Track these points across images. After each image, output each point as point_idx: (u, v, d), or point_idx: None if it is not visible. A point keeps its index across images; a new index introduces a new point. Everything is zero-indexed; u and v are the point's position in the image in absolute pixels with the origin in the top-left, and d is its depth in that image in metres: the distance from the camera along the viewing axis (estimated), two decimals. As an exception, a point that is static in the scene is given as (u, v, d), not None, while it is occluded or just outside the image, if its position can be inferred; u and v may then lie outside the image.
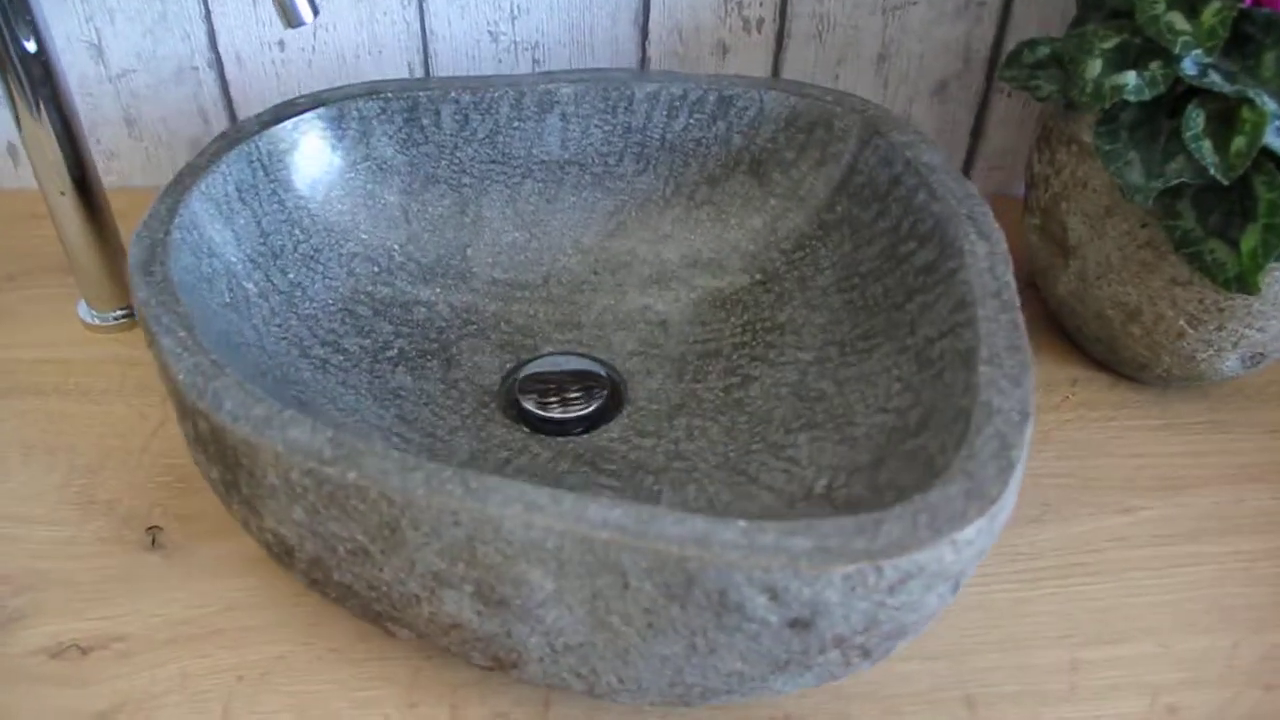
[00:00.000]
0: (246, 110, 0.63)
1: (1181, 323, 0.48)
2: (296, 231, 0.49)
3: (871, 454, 0.38)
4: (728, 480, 0.42)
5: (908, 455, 0.36)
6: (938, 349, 0.39)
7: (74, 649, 0.41)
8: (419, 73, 0.62)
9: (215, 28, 0.60)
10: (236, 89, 0.62)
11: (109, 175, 0.66)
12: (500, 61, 0.61)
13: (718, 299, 0.51)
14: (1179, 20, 0.42)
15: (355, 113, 0.50)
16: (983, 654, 0.42)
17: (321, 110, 0.49)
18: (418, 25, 0.60)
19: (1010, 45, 0.61)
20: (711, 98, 0.51)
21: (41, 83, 0.47)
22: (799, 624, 0.31)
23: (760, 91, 0.51)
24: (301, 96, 0.50)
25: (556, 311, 0.51)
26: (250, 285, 0.46)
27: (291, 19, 0.39)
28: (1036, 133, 0.53)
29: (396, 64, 0.61)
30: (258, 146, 0.47)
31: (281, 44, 0.60)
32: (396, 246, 0.51)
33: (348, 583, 0.35)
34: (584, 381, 0.47)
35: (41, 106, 0.48)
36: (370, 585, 0.35)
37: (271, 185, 0.48)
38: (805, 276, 0.49)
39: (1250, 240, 0.42)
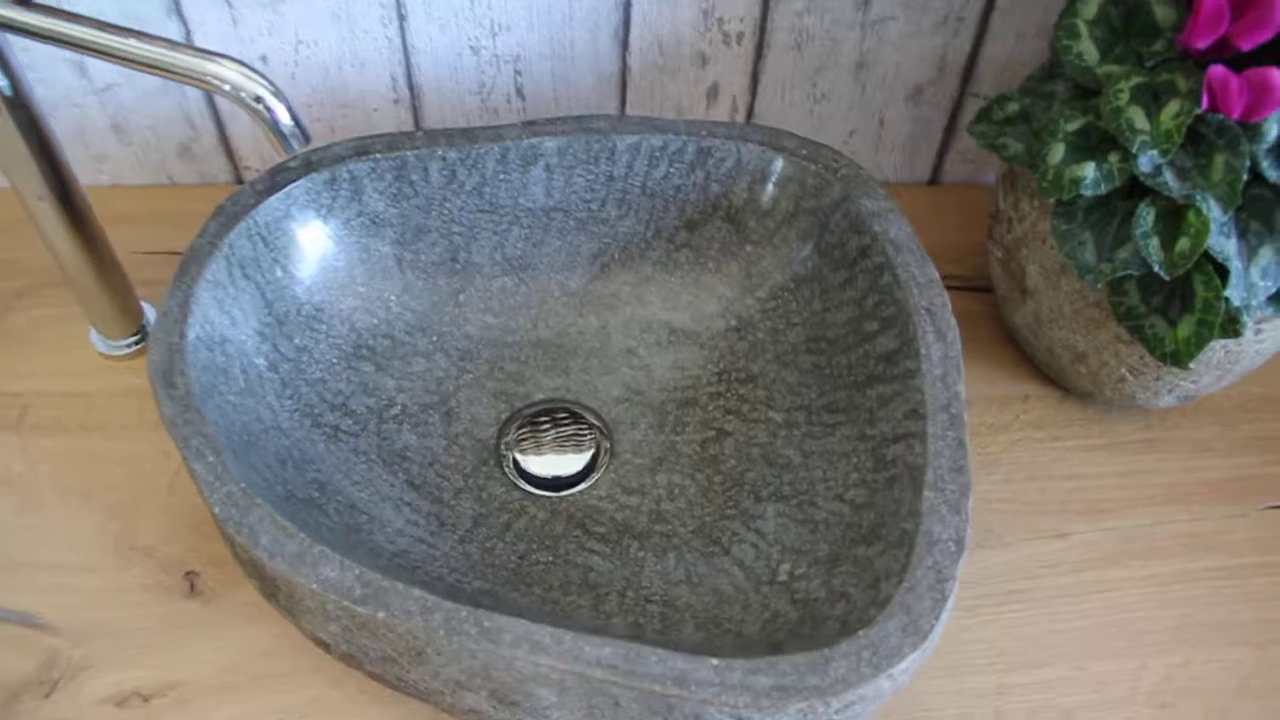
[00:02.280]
0: (232, 118, 0.64)
1: (1123, 370, 0.52)
2: (299, 294, 0.51)
3: (829, 546, 0.43)
4: (703, 549, 0.47)
5: (860, 563, 0.41)
6: (891, 453, 0.43)
7: (136, 697, 0.47)
8: (402, 85, 0.62)
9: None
10: (221, 100, 0.63)
11: (101, 176, 0.67)
12: (482, 73, 0.62)
13: (695, 342, 0.55)
14: (1139, 118, 0.44)
15: (346, 174, 0.52)
16: (925, 680, 0.49)
17: (314, 176, 0.51)
18: (399, 41, 0.60)
19: (986, 55, 0.62)
20: (691, 149, 0.53)
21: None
22: (762, 735, 0.37)
23: (738, 144, 0.53)
24: (292, 159, 0.52)
25: (545, 356, 0.55)
26: (261, 360, 0.49)
27: (285, 150, 0.41)
28: (1003, 168, 0.56)
29: (379, 76, 0.62)
30: (256, 221, 0.49)
31: (264, 59, 0.61)
32: (393, 296, 0.54)
33: (378, 674, 0.41)
34: (575, 434, 0.52)
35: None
36: (399, 679, 0.40)
37: (272, 255, 0.51)
38: (777, 329, 0.53)
39: (1185, 329, 0.46)
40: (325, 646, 0.42)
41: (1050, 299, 0.53)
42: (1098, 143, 0.46)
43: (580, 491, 0.51)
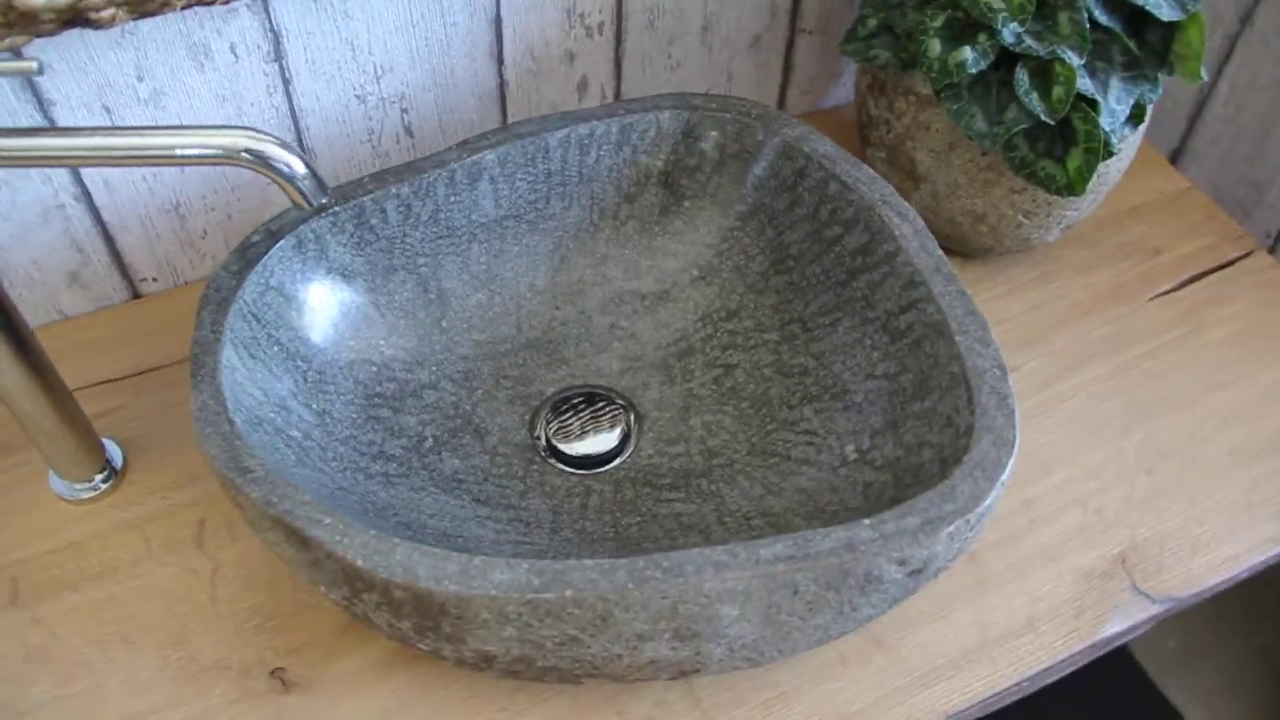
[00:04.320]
0: (124, 234, 0.61)
1: (1020, 217, 0.61)
2: (300, 363, 0.51)
3: (882, 416, 0.49)
4: (766, 463, 0.51)
5: (923, 415, 0.47)
6: (903, 322, 0.50)
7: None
8: (294, 150, 0.62)
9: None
10: (109, 213, 0.60)
11: (-19, 332, 0.62)
12: (370, 119, 0.63)
13: (668, 299, 0.59)
14: (993, 0, 0.53)
15: (310, 234, 0.52)
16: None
17: (282, 243, 0.51)
18: (286, 107, 0.60)
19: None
20: (615, 128, 0.57)
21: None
22: (916, 573, 0.42)
23: (654, 114, 0.57)
24: (254, 233, 0.51)
25: (540, 354, 0.57)
26: (295, 432, 0.49)
27: (306, 202, 0.42)
28: (866, 80, 0.64)
29: (270, 148, 0.61)
30: (245, 300, 0.49)
31: (149, 161, 0.59)
32: (381, 341, 0.55)
33: (551, 665, 0.43)
34: (599, 411, 0.55)
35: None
36: (575, 660, 0.42)
37: (265, 330, 0.50)
38: (739, 265, 0.58)
39: (1075, 160, 0.55)
40: (488, 663, 0.43)
41: (945, 176, 0.61)
42: (963, 30, 0.55)
43: (629, 457, 0.54)
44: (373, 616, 0.42)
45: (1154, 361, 0.63)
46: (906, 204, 0.52)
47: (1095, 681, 1.05)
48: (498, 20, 0.62)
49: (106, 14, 0.46)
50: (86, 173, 0.58)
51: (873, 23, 0.59)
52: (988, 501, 0.41)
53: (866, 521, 0.41)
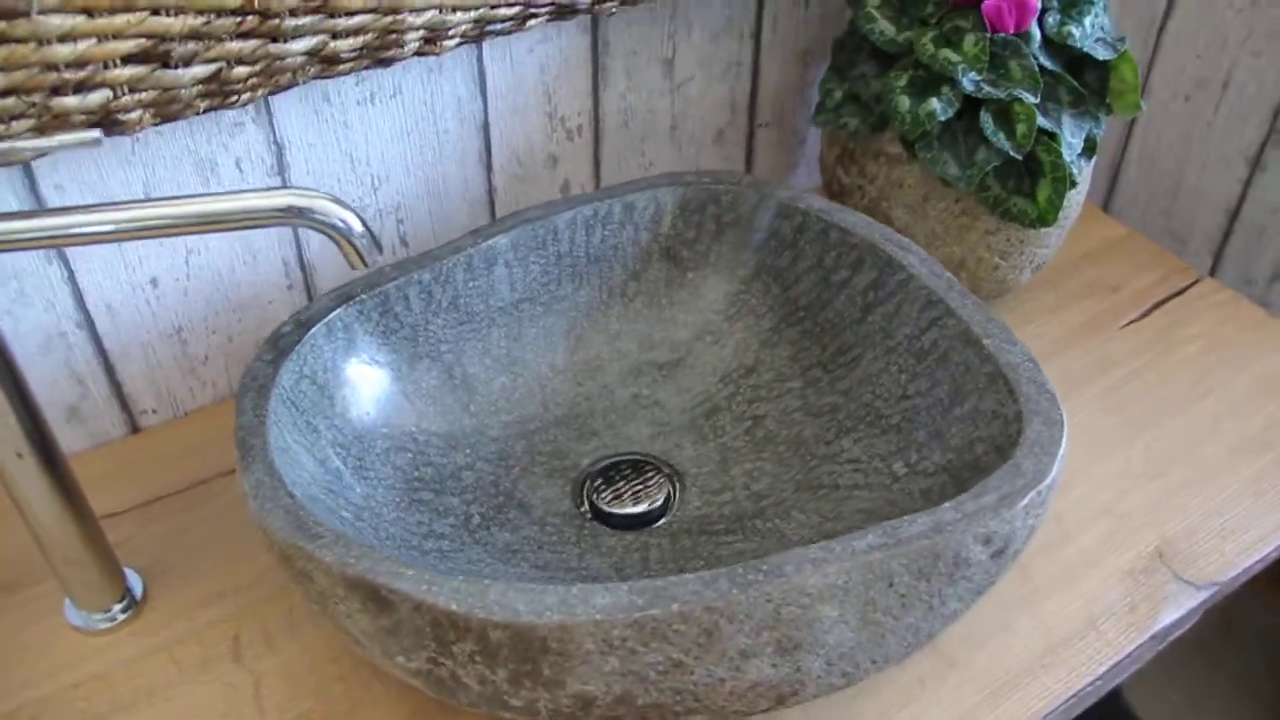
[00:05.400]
0: (125, 363, 0.61)
1: (996, 259, 0.65)
2: (339, 449, 0.51)
3: (924, 430, 0.51)
4: (816, 497, 0.52)
5: (966, 417, 0.49)
6: (927, 340, 0.52)
7: None
8: (294, 267, 0.63)
9: (81, 286, 0.57)
10: (111, 340, 0.60)
11: (-27, 481, 0.59)
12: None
13: (684, 366, 0.60)
14: (951, 54, 0.58)
15: (339, 323, 0.52)
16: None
17: (313, 331, 0.51)
18: (288, 223, 0.61)
19: (763, 95, 0.75)
20: (617, 208, 0.60)
21: None
22: (998, 554, 0.43)
23: (654, 191, 0.61)
24: (284, 324, 0.51)
25: (570, 429, 0.58)
26: (346, 514, 0.47)
27: (362, 262, 0.42)
28: (835, 153, 0.68)
29: (271, 265, 0.62)
30: (283, 386, 0.49)
31: (154, 281, 0.59)
32: (413, 427, 0.55)
33: (652, 701, 0.41)
34: (641, 476, 0.55)
35: None
36: (677, 691, 0.41)
37: (304, 418, 0.50)
38: (749, 325, 0.60)
39: (1044, 191, 0.60)
40: (586, 710, 0.41)
41: (922, 227, 0.65)
42: (926, 85, 0.60)
43: (677, 512, 0.54)
44: (462, 675, 0.41)
45: (1138, 380, 0.66)
46: (906, 239, 0.55)
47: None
48: (486, 126, 0.65)
49: (134, 115, 0.47)
50: (90, 300, 0.58)
51: (838, 94, 0.64)
52: (1053, 474, 0.43)
53: (947, 505, 0.41)
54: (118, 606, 0.53)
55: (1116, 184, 0.91)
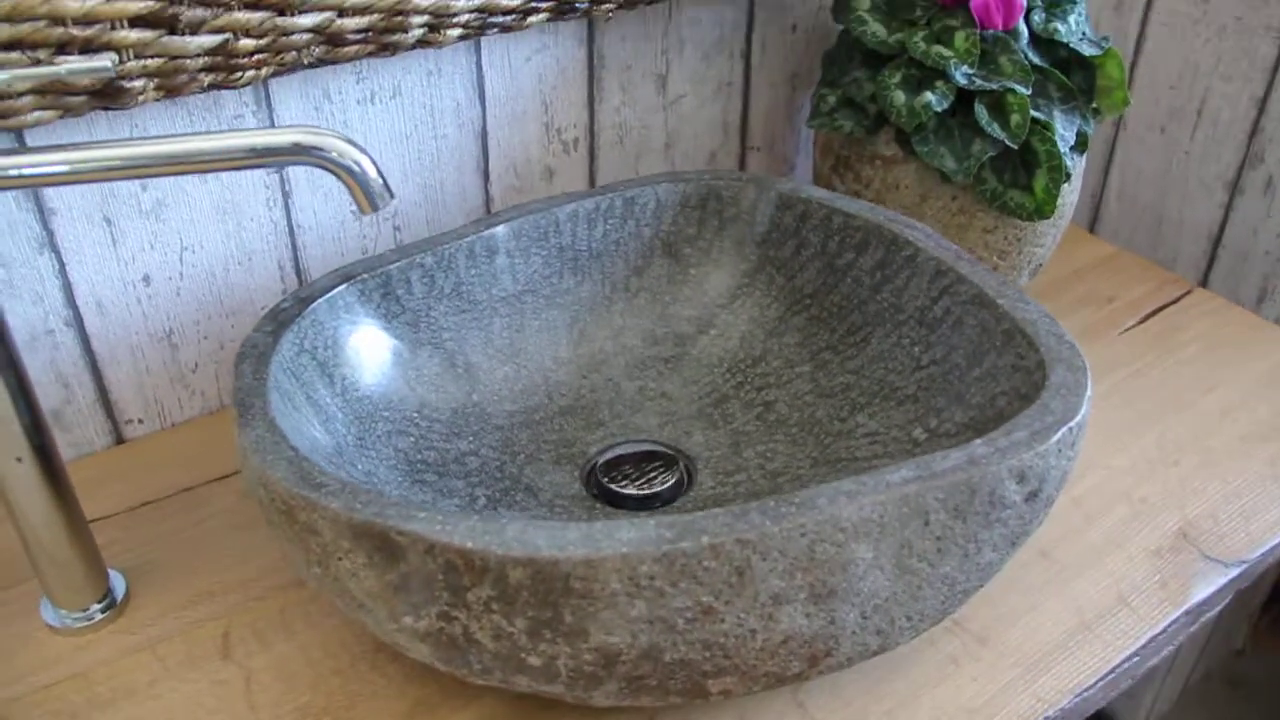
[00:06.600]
0: (113, 367, 0.59)
1: (994, 258, 0.66)
2: (338, 426, 0.49)
3: (943, 397, 0.50)
4: (835, 471, 0.50)
5: (987, 376, 0.48)
6: (938, 309, 0.52)
7: None
8: (289, 271, 0.62)
9: (71, 280, 0.55)
10: (100, 341, 0.58)
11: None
12: (364, 237, 0.64)
13: (689, 359, 0.59)
14: (943, 50, 0.60)
15: (340, 301, 0.51)
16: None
17: (314, 307, 0.50)
18: (285, 223, 0.61)
19: (754, 117, 0.77)
20: (619, 203, 0.60)
21: None
22: (1032, 495, 0.41)
23: (654, 187, 0.60)
24: (283, 300, 0.50)
25: (576, 419, 0.56)
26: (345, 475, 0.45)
27: (372, 206, 0.41)
28: (828, 163, 0.69)
29: (267, 268, 0.61)
30: (283, 356, 0.47)
31: (147, 279, 0.58)
32: (415, 414, 0.53)
33: (680, 657, 0.39)
34: (653, 462, 0.53)
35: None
36: (706, 645, 0.39)
37: (303, 390, 0.48)
38: (754, 315, 0.60)
39: (1041, 181, 0.60)
40: (609, 668, 0.39)
41: (920, 229, 0.65)
42: (920, 81, 0.61)
43: (691, 494, 0.52)
44: (476, 630, 0.38)
45: (1143, 379, 0.66)
46: (905, 217, 0.55)
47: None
48: (484, 133, 0.65)
49: (137, 84, 0.47)
50: (80, 295, 0.56)
51: (832, 99, 0.65)
52: (1083, 411, 0.42)
53: (979, 441, 0.40)
54: (96, 606, 0.50)
55: (1099, 218, 0.92)
